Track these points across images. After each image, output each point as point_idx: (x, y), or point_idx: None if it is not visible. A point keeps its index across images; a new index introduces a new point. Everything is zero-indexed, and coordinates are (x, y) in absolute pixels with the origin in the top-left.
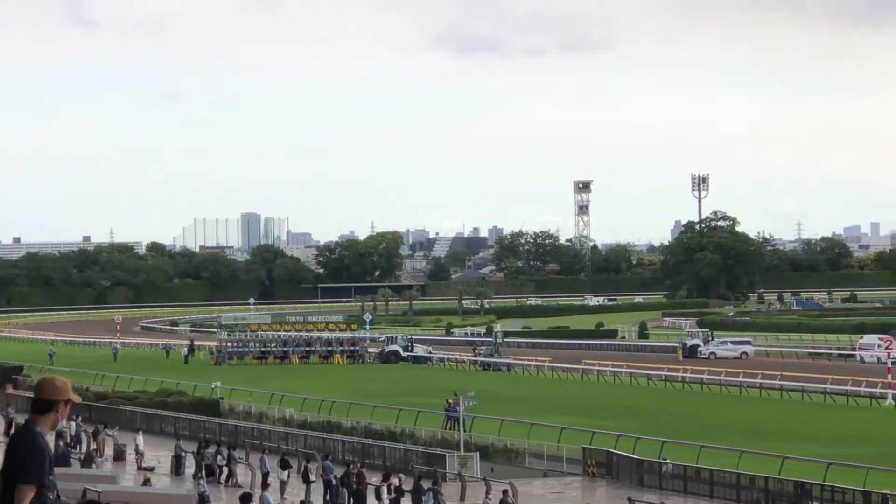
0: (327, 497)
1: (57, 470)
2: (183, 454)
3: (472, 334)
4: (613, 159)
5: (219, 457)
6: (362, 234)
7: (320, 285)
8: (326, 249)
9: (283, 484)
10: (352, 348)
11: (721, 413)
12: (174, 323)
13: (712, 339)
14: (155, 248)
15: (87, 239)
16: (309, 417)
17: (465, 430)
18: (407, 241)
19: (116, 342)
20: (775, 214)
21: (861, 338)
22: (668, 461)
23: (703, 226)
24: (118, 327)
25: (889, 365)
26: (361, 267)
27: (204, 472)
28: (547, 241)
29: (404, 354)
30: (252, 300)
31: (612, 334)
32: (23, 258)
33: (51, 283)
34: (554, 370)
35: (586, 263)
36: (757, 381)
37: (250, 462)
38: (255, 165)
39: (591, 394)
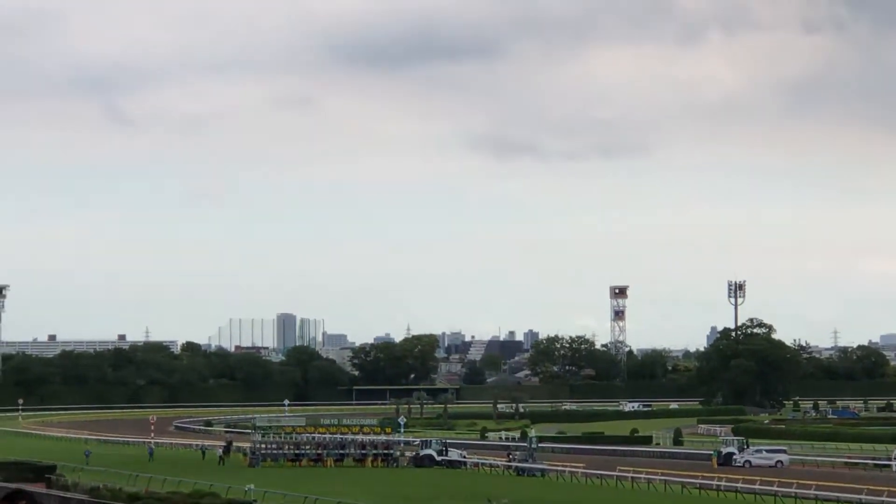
0: None
1: None
2: None
3: (507, 439)
4: (650, 264)
5: None
6: (398, 337)
7: (355, 387)
8: (362, 351)
9: None
10: (386, 451)
11: None
12: (208, 423)
13: (747, 447)
14: (190, 347)
15: (122, 337)
16: None
17: None
18: (442, 344)
19: (151, 442)
20: (811, 322)
21: None
22: None
23: (738, 333)
24: (153, 427)
25: None
26: (397, 369)
27: None
28: (582, 346)
29: (438, 458)
30: (287, 402)
31: (647, 440)
32: (58, 356)
33: (85, 381)
34: (588, 476)
35: (622, 369)
36: (792, 490)
37: None
38: (291, 266)
39: (625, 500)
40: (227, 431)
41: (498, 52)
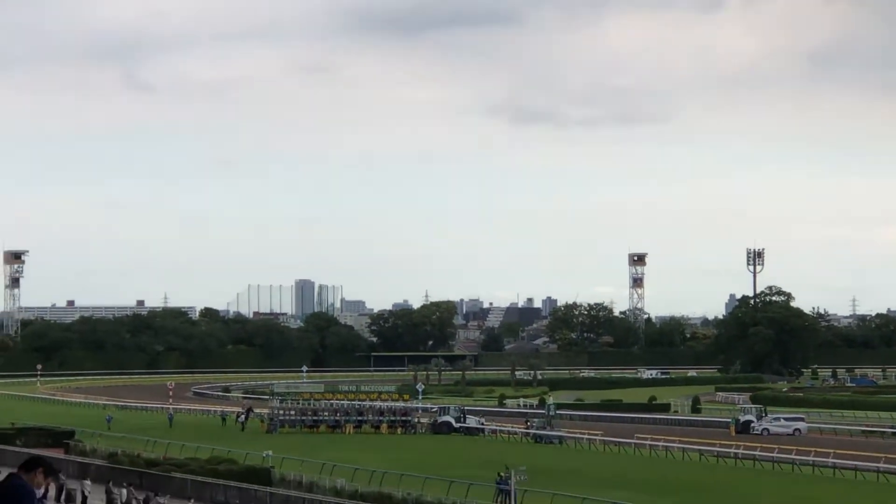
0: None
1: None
2: None
3: (525, 406)
4: (669, 232)
5: None
6: (416, 303)
7: (373, 354)
8: (380, 318)
9: None
10: (404, 418)
11: (774, 490)
12: (226, 389)
13: (765, 415)
14: (208, 313)
15: (140, 303)
16: (360, 488)
17: None
18: (461, 311)
19: (170, 408)
20: (830, 290)
21: None
22: None
23: (757, 300)
24: (171, 393)
25: None
26: (415, 336)
27: None
28: (601, 314)
29: (456, 425)
30: (305, 368)
31: (665, 408)
32: (76, 322)
33: (104, 347)
34: (606, 444)
35: (640, 336)
36: (810, 458)
37: None
38: (309, 232)
39: (642, 468)
40: (245, 397)
41: (517, 20)
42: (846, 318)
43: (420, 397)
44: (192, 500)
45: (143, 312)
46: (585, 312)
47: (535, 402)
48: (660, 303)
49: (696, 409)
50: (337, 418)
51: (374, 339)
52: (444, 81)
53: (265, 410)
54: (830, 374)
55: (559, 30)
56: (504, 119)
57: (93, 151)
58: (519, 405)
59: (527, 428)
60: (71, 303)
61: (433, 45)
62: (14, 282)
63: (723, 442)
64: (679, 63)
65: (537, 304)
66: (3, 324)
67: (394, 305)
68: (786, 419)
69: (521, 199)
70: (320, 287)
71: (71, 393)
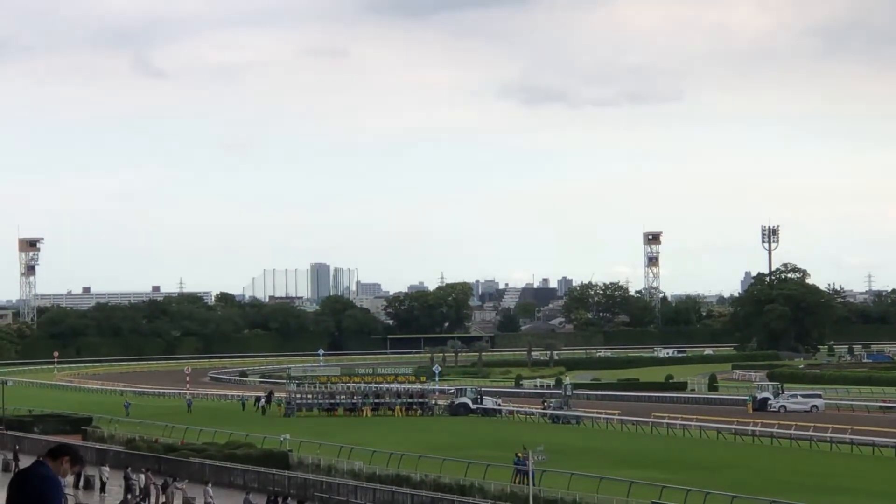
0: None
1: None
2: None
3: (542, 386)
4: (683, 210)
5: None
6: (432, 285)
7: (389, 336)
8: (396, 300)
9: None
10: (421, 400)
11: (791, 467)
12: (243, 374)
13: (782, 392)
14: (224, 298)
15: (156, 289)
16: (378, 470)
17: (534, 484)
18: (476, 292)
19: (187, 393)
20: (846, 266)
21: None
22: None
23: (773, 278)
24: (188, 378)
25: None
26: (431, 318)
27: None
28: (616, 293)
29: (473, 407)
30: (321, 351)
31: (682, 387)
32: (92, 308)
33: (120, 333)
34: (623, 423)
35: (656, 315)
36: (827, 435)
37: None
38: (324, 216)
39: (660, 447)
40: (262, 381)
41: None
42: (862, 294)
43: (437, 379)
44: (211, 485)
45: (159, 298)
46: (601, 292)
47: (551, 382)
48: (675, 281)
49: (712, 387)
50: (354, 401)
51: (390, 322)
52: (456, 63)
53: (283, 394)
54: (847, 350)
55: (571, 9)
56: (517, 100)
57: (106, 138)
58: (536, 386)
59: (544, 408)
60: (87, 289)
61: (444, 26)
62: (30, 269)
63: (740, 419)
64: (692, 41)
65: (553, 284)
66: (20, 311)
67: (409, 287)
68: (803, 396)
69: (535, 180)
70: (336, 270)
71: (88, 379)
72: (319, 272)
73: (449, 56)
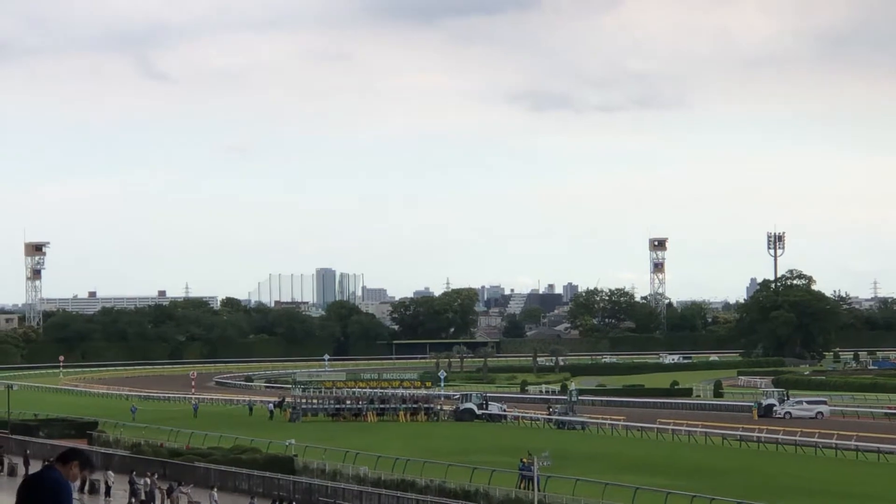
0: None
1: None
2: None
3: (547, 392)
4: (689, 216)
5: None
6: (437, 291)
7: (395, 342)
8: (401, 306)
9: None
10: (426, 405)
11: (796, 474)
12: (249, 378)
13: (788, 399)
14: (230, 303)
15: (162, 294)
16: (383, 475)
17: (539, 490)
18: (482, 298)
19: (193, 398)
20: (851, 273)
21: None
22: None
23: (778, 284)
24: (193, 383)
25: None
26: (436, 323)
27: None
28: (622, 299)
29: (479, 412)
30: (327, 357)
31: (687, 393)
32: (98, 313)
33: (126, 337)
34: (628, 429)
35: (661, 321)
36: (832, 441)
37: None
38: (330, 221)
39: (665, 453)
40: (269, 387)
41: (534, 5)
42: (868, 300)
43: (442, 384)
44: (216, 489)
45: (164, 303)
46: (607, 298)
47: (557, 388)
48: (681, 287)
49: (718, 393)
50: (359, 406)
51: (396, 327)
52: (462, 68)
53: (287, 399)
54: (852, 357)
55: (576, 15)
56: (523, 105)
57: (111, 141)
58: (541, 391)
59: (549, 414)
60: (93, 294)
61: (451, 32)
62: (35, 273)
63: (745, 426)
64: (696, 47)
65: (558, 290)
66: (26, 315)
67: (415, 293)
68: (808, 402)
69: (541, 185)
70: (341, 275)
71: (93, 384)
72: (325, 277)
73: (454, 61)
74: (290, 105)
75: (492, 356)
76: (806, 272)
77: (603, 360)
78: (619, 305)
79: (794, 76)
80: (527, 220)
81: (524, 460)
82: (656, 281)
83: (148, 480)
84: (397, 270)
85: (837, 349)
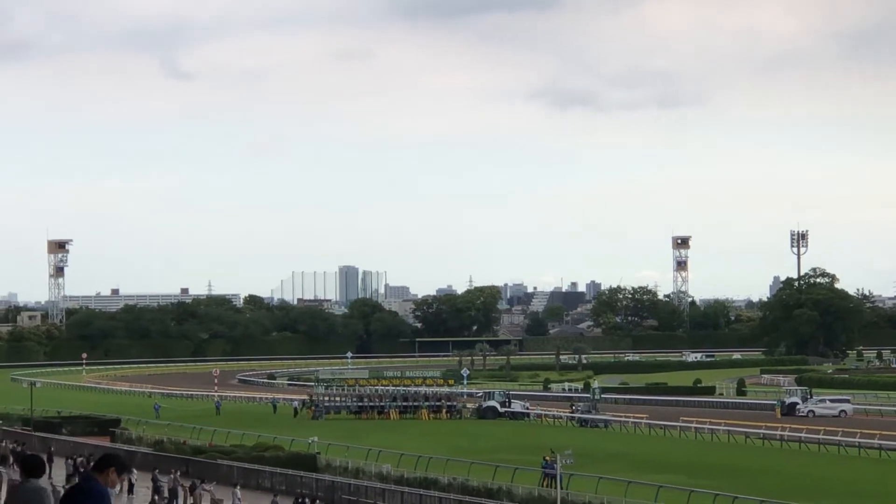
0: None
1: None
2: None
3: (570, 390)
4: (712, 215)
5: None
6: (460, 289)
7: (418, 339)
8: (424, 303)
9: None
10: (449, 403)
11: (819, 472)
12: (271, 376)
13: (811, 397)
14: (253, 300)
15: (185, 291)
16: (406, 473)
17: (562, 488)
18: (505, 296)
19: (215, 395)
20: (874, 271)
21: None
22: None
23: (801, 282)
24: (216, 380)
25: None
26: (459, 321)
27: None
28: (645, 297)
29: (501, 410)
30: (349, 354)
31: (710, 391)
32: (121, 310)
33: (148, 335)
34: (651, 427)
35: (684, 319)
36: (856, 440)
37: None
38: (353, 218)
39: (688, 451)
40: (291, 384)
41: (554, 3)
42: (891, 299)
43: (465, 382)
44: (238, 487)
45: (187, 300)
46: (629, 296)
47: (579, 386)
48: (704, 285)
49: (741, 391)
50: (382, 404)
51: (419, 325)
52: (484, 66)
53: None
54: (875, 355)
55: (598, 12)
56: (544, 103)
57: (134, 140)
58: (564, 389)
59: (572, 412)
60: (115, 291)
61: (471, 30)
62: (58, 271)
63: (768, 424)
64: (718, 45)
65: (581, 288)
66: (48, 313)
67: (438, 291)
68: (831, 401)
69: (564, 183)
70: (364, 273)
71: (116, 381)
72: (348, 275)
73: (476, 59)
74: (313, 103)
75: (514, 354)
76: (829, 270)
77: (626, 358)
78: (641, 303)
79: (817, 75)
80: (550, 217)
81: (547, 458)
82: (679, 279)
83: (171, 478)
84: (420, 268)
85: (860, 347)
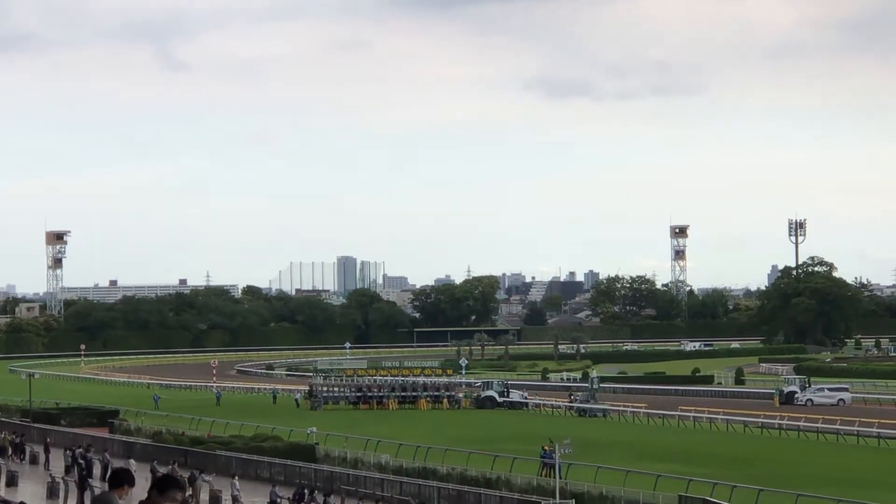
0: None
1: None
2: (278, 500)
3: (568, 380)
4: (710, 204)
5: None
6: (458, 278)
7: (416, 329)
8: (422, 293)
9: None
10: (447, 393)
11: (818, 461)
12: (270, 367)
13: (809, 386)
14: (251, 291)
15: (183, 282)
16: (404, 463)
17: (560, 477)
18: (503, 286)
19: (215, 386)
20: (873, 260)
21: None
22: None
23: (799, 271)
24: (214, 371)
25: None
26: (457, 311)
27: None
28: (643, 286)
29: (500, 400)
30: (348, 344)
31: (709, 380)
32: (119, 301)
33: (147, 326)
34: (650, 416)
35: (682, 308)
36: (854, 428)
37: None
38: (351, 209)
39: (687, 440)
40: (289, 374)
41: None
42: (889, 287)
43: (463, 372)
44: (237, 478)
45: (185, 291)
46: (628, 285)
47: (578, 375)
48: (702, 275)
49: (739, 380)
50: (380, 394)
51: (417, 315)
52: (480, 56)
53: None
54: (874, 344)
55: (593, 2)
56: (540, 93)
57: (132, 131)
58: (562, 379)
59: (570, 401)
60: (113, 282)
61: (468, 20)
62: (57, 262)
63: (767, 413)
64: (715, 34)
65: (579, 277)
66: (47, 304)
67: (436, 280)
68: (829, 390)
69: (561, 173)
70: (362, 263)
71: (114, 372)
72: (346, 265)
73: (473, 49)
74: (310, 94)
75: (513, 344)
76: (827, 259)
77: (624, 347)
78: (640, 293)
79: (815, 64)
80: (547, 207)
81: (545, 448)
82: (677, 268)
83: (170, 469)
84: (418, 258)
85: (859, 336)
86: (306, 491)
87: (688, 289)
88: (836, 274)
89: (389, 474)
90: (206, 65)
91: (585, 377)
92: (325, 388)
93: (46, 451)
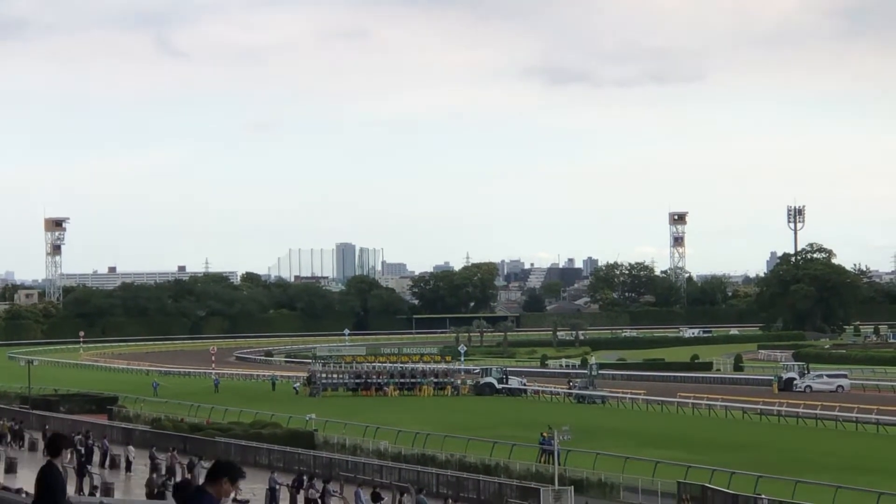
0: None
1: None
2: (277, 486)
3: (567, 366)
4: (709, 190)
5: (311, 490)
6: (457, 265)
7: (415, 316)
8: (421, 280)
9: None
10: (446, 380)
11: (817, 447)
12: (269, 353)
13: (808, 373)
14: (250, 278)
15: (182, 269)
16: (403, 450)
17: (559, 464)
18: (502, 272)
19: (212, 372)
20: (872, 246)
21: None
22: (763, 497)
23: (798, 258)
24: (213, 358)
25: None
26: (456, 298)
27: None
28: (642, 273)
29: (499, 386)
30: (347, 331)
31: (707, 367)
32: (118, 288)
33: (146, 312)
34: (649, 403)
35: (681, 295)
36: (853, 415)
37: (345, 495)
38: (349, 196)
39: (685, 427)
40: (288, 361)
41: None
42: (888, 274)
43: (462, 359)
44: None
45: (184, 278)
46: (627, 272)
47: (577, 362)
48: (701, 261)
49: (738, 367)
50: (379, 381)
51: (416, 302)
52: (479, 43)
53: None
54: (873, 330)
55: None
56: (539, 80)
57: (130, 118)
58: (561, 365)
59: (569, 388)
60: (112, 269)
61: (466, 7)
62: (55, 249)
63: (766, 400)
64: (714, 21)
65: (578, 264)
66: (46, 291)
67: (435, 267)
68: (828, 376)
69: (561, 160)
70: (361, 250)
71: (113, 359)
72: (345, 252)
73: (471, 36)
74: (309, 81)
75: (512, 330)
76: (826, 246)
77: (623, 333)
78: (639, 279)
79: (814, 50)
80: (547, 194)
81: (544, 434)
82: (676, 255)
83: (168, 456)
84: (417, 245)
85: (858, 322)
86: (305, 477)
87: (687, 275)
88: (835, 260)
89: (388, 461)
90: (204, 51)
91: (584, 364)
92: (323, 375)
93: (45, 438)
